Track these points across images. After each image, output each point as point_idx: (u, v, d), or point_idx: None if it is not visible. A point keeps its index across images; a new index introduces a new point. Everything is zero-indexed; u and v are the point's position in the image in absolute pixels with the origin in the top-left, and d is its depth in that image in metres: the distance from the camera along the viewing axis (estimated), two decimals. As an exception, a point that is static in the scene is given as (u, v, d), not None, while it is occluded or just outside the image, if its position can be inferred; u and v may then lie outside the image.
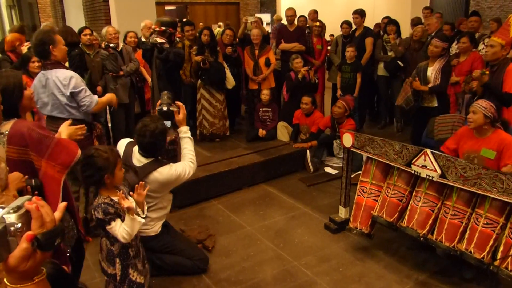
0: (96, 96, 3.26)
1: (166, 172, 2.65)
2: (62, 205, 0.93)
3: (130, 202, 2.12)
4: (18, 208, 0.84)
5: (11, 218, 0.82)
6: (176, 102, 2.85)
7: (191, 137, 2.90)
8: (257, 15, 11.05)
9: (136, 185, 2.22)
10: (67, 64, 3.50)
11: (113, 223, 2.11)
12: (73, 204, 2.27)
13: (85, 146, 3.37)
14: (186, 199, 4.20)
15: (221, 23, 12.13)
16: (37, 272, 0.88)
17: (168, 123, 2.73)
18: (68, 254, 2.11)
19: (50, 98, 3.15)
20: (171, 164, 2.73)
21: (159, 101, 2.85)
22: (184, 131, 2.83)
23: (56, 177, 2.05)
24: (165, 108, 2.72)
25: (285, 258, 3.31)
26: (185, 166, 2.73)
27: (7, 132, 2.05)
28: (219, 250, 3.45)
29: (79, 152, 2.17)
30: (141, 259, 2.37)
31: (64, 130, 2.38)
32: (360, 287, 2.96)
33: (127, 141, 2.85)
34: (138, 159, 2.71)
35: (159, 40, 3.94)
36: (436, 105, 4.49)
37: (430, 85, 4.40)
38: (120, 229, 2.11)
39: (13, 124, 2.08)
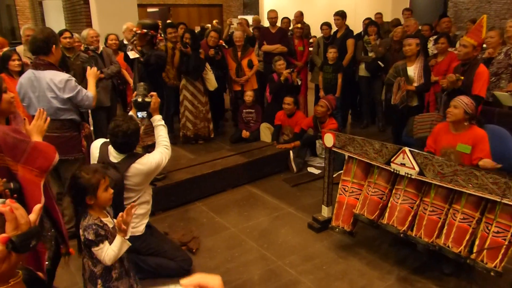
0: (90, 92, 3.23)
1: (146, 161, 2.68)
2: (37, 207, 0.94)
3: (126, 225, 2.10)
4: None
5: None
6: (151, 92, 2.86)
7: (165, 125, 2.93)
8: (240, 16, 11.07)
9: (128, 206, 2.16)
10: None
11: (101, 245, 2.08)
12: (56, 211, 2.22)
13: (74, 146, 3.37)
14: (170, 201, 4.20)
15: (213, 23, 12.08)
16: (13, 275, 0.88)
17: (144, 114, 2.74)
18: (46, 264, 2.08)
19: (40, 99, 3.11)
20: (147, 154, 2.76)
21: (135, 92, 2.86)
22: (158, 119, 2.86)
23: (35, 181, 2.02)
24: (140, 99, 2.74)
25: (269, 258, 3.34)
26: (161, 154, 2.77)
27: None
28: (204, 252, 3.46)
29: (57, 156, 2.14)
30: (127, 281, 2.30)
31: (31, 130, 2.28)
32: (343, 284, 3.01)
33: (102, 141, 2.86)
34: (114, 157, 2.74)
35: (131, 56, 3.94)
36: (417, 103, 4.57)
37: (415, 84, 4.48)
38: (108, 250, 2.09)
39: None
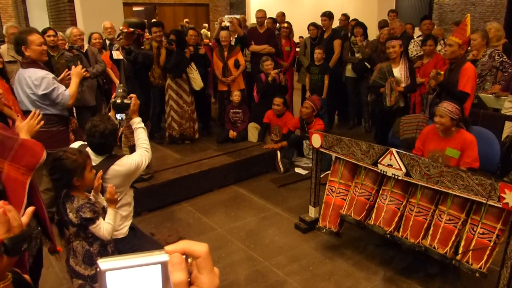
0: (68, 91, 3.32)
1: (124, 163, 2.64)
2: (29, 210, 0.94)
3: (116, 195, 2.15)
4: None
5: None
6: (130, 94, 2.84)
7: (144, 127, 2.90)
8: (229, 16, 11.04)
9: (98, 174, 2.23)
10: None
11: (97, 222, 2.13)
12: (43, 210, 2.21)
13: (62, 140, 3.38)
14: (156, 202, 4.15)
15: (183, 22, 12.08)
16: (3, 277, 0.88)
17: (123, 116, 2.71)
18: (28, 264, 2.04)
19: (25, 95, 3.30)
20: (127, 155, 2.73)
21: (114, 93, 2.83)
22: (137, 122, 2.83)
23: (21, 179, 1.99)
24: (118, 101, 2.71)
25: (256, 259, 3.33)
26: (141, 156, 2.74)
27: None
28: (190, 252, 3.42)
29: (45, 153, 2.12)
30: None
31: (22, 128, 2.33)
32: (329, 285, 3.01)
33: (79, 143, 2.81)
34: (93, 159, 2.69)
35: (115, 56, 3.90)
36: (403, 105, 4.60)
37: (403, 85, 4.51)
38: (105, 225, 2.15)
39: None
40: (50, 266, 3.14)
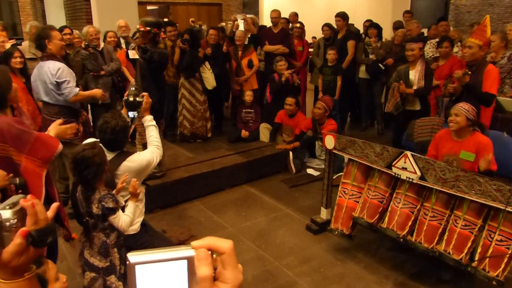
0: (77, 89, 3.54)
1: (136, 159, 2.67)
2: (54, 205, 0.96)
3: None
4: (13, 204, 0.86)
5: (7, 214, 0.84)
6: (142, 93, 2.86)
7: (156, 125, 2.93)
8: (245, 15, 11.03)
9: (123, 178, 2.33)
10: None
11: (117, 212, 2.22)
12: (57, 199, 2.31)
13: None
14: (168, 199, 4.17)
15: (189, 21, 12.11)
16: (28, 269, 0.90)
17: (135, 114, 2.74)
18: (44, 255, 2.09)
19: (42, 86, 3.55)
20: (138, 152, 2.76)
21: (127, 92, 2.86)
22: (149, 120, 2.85)
23: (37, 172, 2.08)
24: (131, 99, 2.74)
25: (266, 259, 3.32)
26: (152, 153, 2.76)
27: None
28: (201, 251, 3.43)
29: (60, 146, 2.20)
30: None
31: (53, 129, 2.42)
32: (340, 287, 2.99)
33: (92, 140, 2.84)
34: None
35: (131, 55, 3.99)
36: (418, 108, 4.55)
37: (415, 88, 4.46)
38: (124, 217, 2.25)
39: None
40: (64, 259, 3.17)
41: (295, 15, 7.47)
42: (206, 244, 0.60)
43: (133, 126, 2.91)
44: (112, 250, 2.32)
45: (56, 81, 3.47)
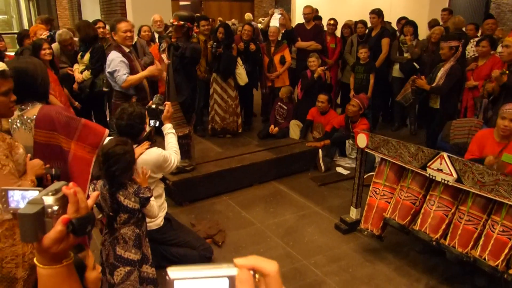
0: (125, 76, 3.75)
1: (153, 152, 2.72)
2: (94, 194, 0.97)
3: None
4: (56, 191, 0.87)
5: (49, 200, 0.85)
6: (165, 102, 2.91)
7: (175, 133, 2.98)
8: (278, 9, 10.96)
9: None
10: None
11: (151, 201, 2.31)
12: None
13: None
14: (197, 193, 4.21)
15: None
16: (66, 256, 0.91)
17: (156, 122, 2.80)
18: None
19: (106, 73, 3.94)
20: (156, 147, 2.81)
21: (150, 101, 2.92)
22: (169, 128, 2.90)
23: (87, 157, 2.15)
24: (153, 106, 2.80)
25: (294, 257, 3.30)
26: (170, 154, 2.81)
27: (34, 117, 2.11)
28: (229, 245, 3.45)
29: (107, 131, 2.27)
30: None
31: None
32: (369, 289, 2.95)
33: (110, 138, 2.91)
34: None
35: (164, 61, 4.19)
36: (438, 107, 4.45)
37: (433, 85, 4.38)
38: (153, 203, 2.34)
39: (40, 109, 2.16)
40: (95, 249, 3.24)
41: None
42: (250, 264, 0.57)
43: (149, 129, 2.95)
44: (144, 240, 2.38)
45: (109, 72, 3.79)
